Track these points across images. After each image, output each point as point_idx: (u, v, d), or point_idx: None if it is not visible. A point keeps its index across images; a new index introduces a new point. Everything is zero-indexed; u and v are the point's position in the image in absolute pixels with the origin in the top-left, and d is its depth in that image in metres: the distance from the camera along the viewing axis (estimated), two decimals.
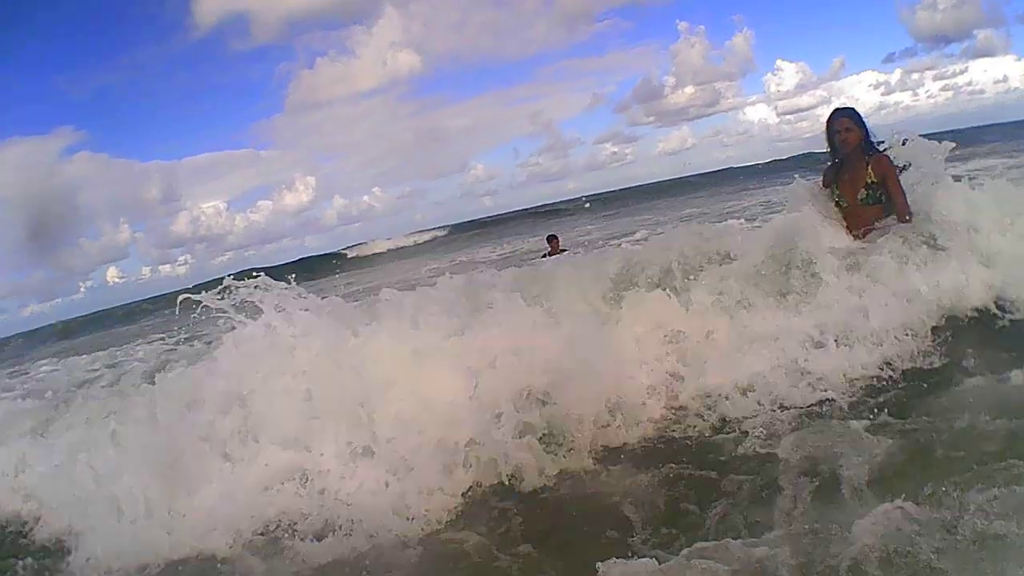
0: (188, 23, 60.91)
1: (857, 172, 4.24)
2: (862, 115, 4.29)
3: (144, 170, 62.46)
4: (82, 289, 59.70)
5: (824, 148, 4.38)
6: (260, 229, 62.61)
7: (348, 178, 76.39)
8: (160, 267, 63.23)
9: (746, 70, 63.23)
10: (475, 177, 63.69)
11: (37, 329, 30.42)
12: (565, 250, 12.99)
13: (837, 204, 4.35)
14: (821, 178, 4.51)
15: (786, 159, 28.70)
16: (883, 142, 4.35)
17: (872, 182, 4.19)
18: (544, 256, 12.38)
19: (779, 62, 65.92)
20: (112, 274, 61.35)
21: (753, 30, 59.33)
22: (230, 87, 68.82)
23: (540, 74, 75.24)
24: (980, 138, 23.01)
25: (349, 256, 28.24)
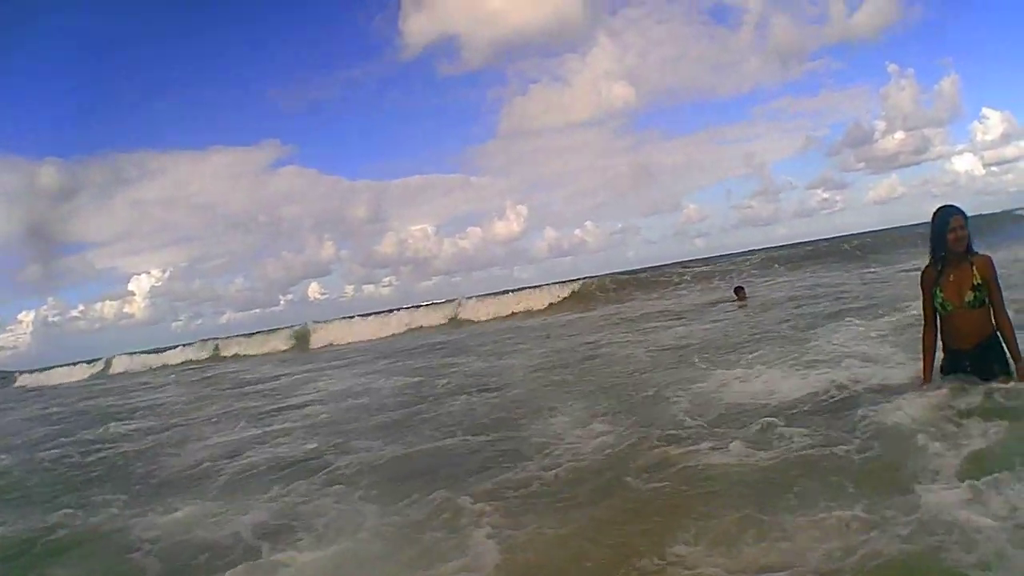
0: (397, 43, 63.11)
1: (963, 273, 4.07)
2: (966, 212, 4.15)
3: (352, 188, 65.44)
4: (282, 302, 63.26)
5: None
6: (468, 256, 63.80)
7: (560, 209, 77.54)
8: (363, 286, 64.94)
9: (953, 116, 58.78)
10: (687, 217, 64.24)
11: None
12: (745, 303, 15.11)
13: (941, 307, 4.18)
14: (920, 279, 4.35)
15: (993, 214, 26.78)
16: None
17: (978, 283, 4.03)
18: (735, 304, 15.10)
19: (985, 110, 60.93)
20: (314, 289, 63.64)
21: (960, 74, 55.19)
22: (440, 111, 70.56)
23: (754, 113, 74.13)
24: None
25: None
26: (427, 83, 70.20)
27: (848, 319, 9.29)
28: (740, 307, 14.59)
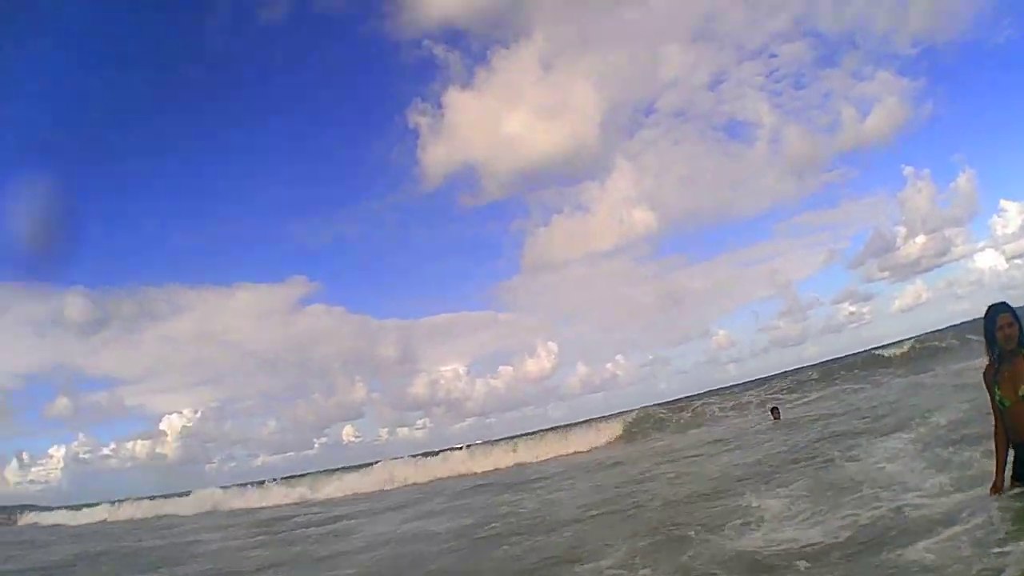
0: (416, 174, 64.78)
1: (1017, 369, 4.23)
2: (1016, 311, 4.33)
3: (380, 327, 63.08)
4: (316, 445, 60.80)
5: None
6: (500, 395, 62.33)
7: (589, 343, 76.26)
8: (397, 429, 63.54)
9: (972, 213, 59.39)
10: (717, 343, 63.38)
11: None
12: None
13: (1000, 403, 4.33)
14: (983, 378, 4.51)
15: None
16: None
17: None
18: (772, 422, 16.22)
19: (1003, 202, 61.87)
20: (348, 432, 61.89)
21: (975, 169, 56.69)
22: (464, 244, 69.28)
23: (775, 231, 75.07)
24: None
25: None
26: (449, 216, 70.86)
27: (882, 436, 9.61)
28: (775, 424, 15.76)
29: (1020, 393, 4.23)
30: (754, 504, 7.47)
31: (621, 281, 70.13)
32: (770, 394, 22.06)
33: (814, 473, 8.45)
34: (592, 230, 55.94)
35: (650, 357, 70.46)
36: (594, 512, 9.47)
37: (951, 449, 7.47)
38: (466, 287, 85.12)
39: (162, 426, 53.54)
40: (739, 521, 6.87)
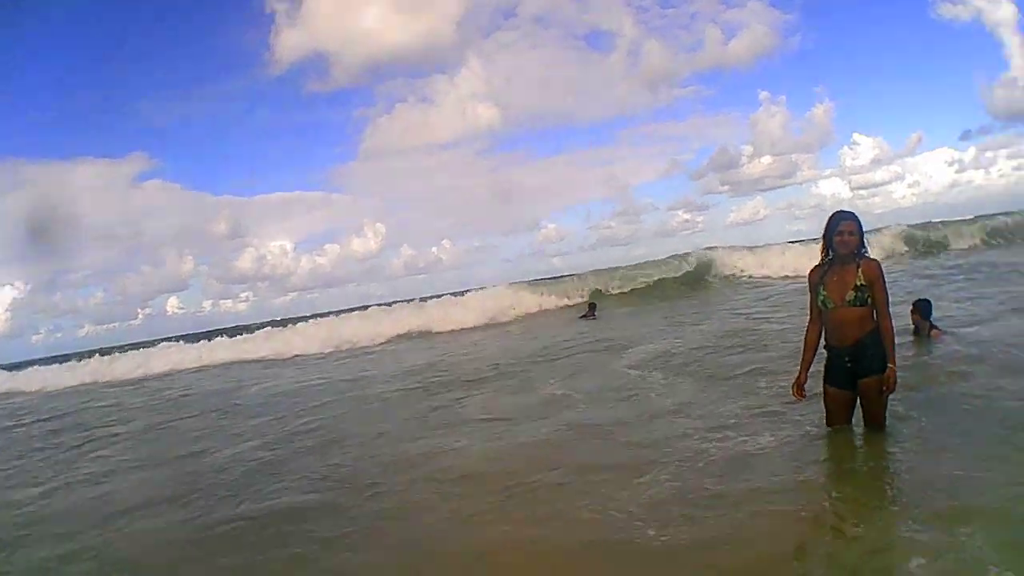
0: (267, 59, 63.04)
1: (846, 274, 4.30)
2: (861, 220, 4.37)
3: (215, 203, 63.54)
4: (140, 316, 61.63)
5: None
6: (325, 272, 64.52)
7: (418, 228, 77.96)
8: (221, 302, 65.17)
9: (824, 142, 62.32)
10: (546, 236, 64.60)
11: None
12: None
13: (823, 304, 4.39)
14: (808, 277, 4.57)
15: None
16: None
17: (861, 284, 4.24)
18: (582, 317, 15.94)
19: (856, 136, 64.97)
20: (172, 304, 62.84)
21: (833, 102, 58.76)
22: (306, 128, 69.72)
23: (619, 137, 75.39)
24: None
25: None
26: (295, 100, 68.81)
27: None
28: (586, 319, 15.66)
29: (847, 298, 4.27)
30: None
31: (458, 172, 72.47)
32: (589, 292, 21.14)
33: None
34: (434, 121, 57.43)
35: (476, 244, 72.09)
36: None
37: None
38: (304, 168, 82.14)
39: None
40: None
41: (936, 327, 7.03)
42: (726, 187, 62.76)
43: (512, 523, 4.08)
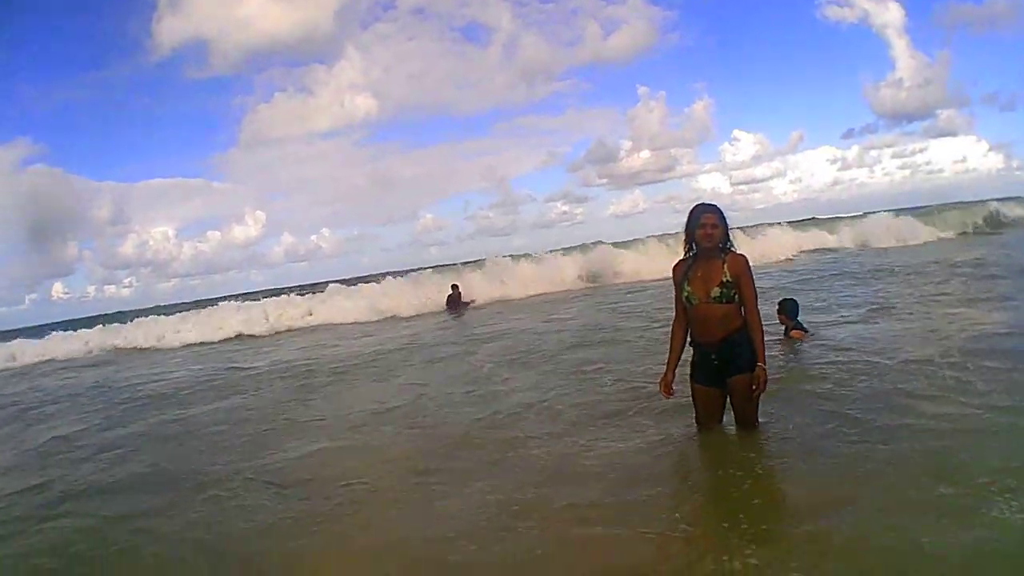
0: (148, 45, 62.22)
1: (712, 270, 4.10)
2: (724, 212, 4.18)
3: (97, 189, 61.31)
4: (27, 301, 61.12)
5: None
6: (207, 259, 63.52)
7: (298, 216, 77.46)
8: (105, 287, 63.45)
9: (703, 138, 64.51)
10: (424, 226, 64.68)
11: None
12: (468, 302, 16.16)
13: (687, 300, 4.19)
14: (672, 272, 4.35)
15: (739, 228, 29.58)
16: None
17: (727, 280, 4.04)
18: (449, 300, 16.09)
19: (736, 132, 67.52)
20: (58, 289, 62.80)
21: (714, 99, 60.88)
22: (187, 115, 67.81)
23: (497, 129, 76.21)
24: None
25: None
26: (175, 87, 66.56)
27: None
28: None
29: (712, 295, 4.06)
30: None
31: (337, 162, 73.15)
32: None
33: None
34: (313, 110, 58.56)
35: (356, 232, 71.98)
36: None
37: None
38: (185, 155, 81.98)
39: None
40: None
41: (800, 327, 7.02)
42: (604, 180, 64.56)
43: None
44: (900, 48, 50.17)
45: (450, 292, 16.28)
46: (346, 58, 57.92)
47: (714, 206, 4.19)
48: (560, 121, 70.55)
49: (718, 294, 4.04)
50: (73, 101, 62.50)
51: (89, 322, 23.93)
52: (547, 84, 66.34)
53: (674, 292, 4.32)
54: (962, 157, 54.51)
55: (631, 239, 22.51)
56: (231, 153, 70.71)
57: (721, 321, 4.07)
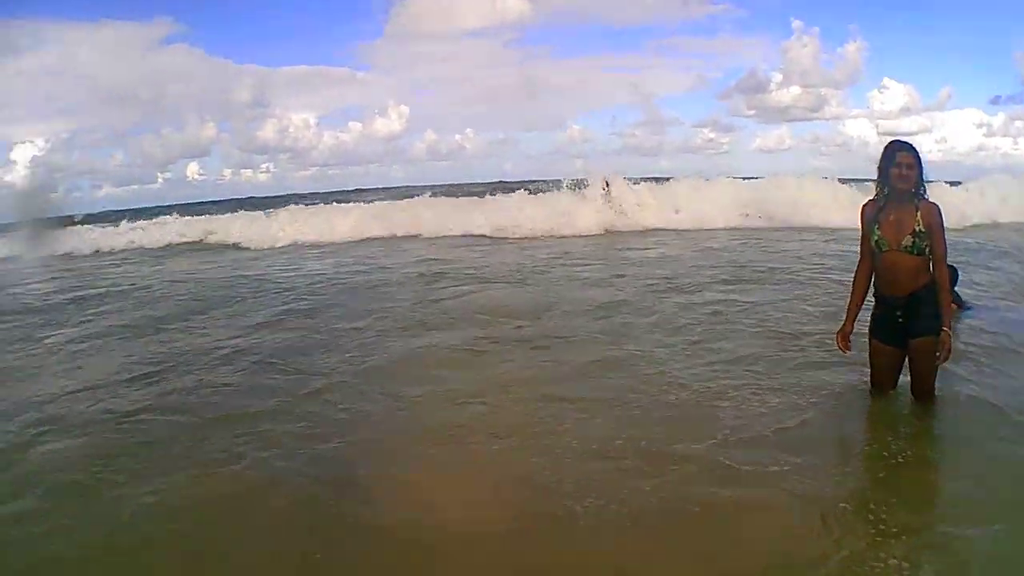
0: None
1: (905, 216, 3.79)
2: (922, 155, 3.84)
3: (238, 71, 65.12)
4: (160, 180, 62.23)
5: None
6: (347, 150, 63.18)
7: (442, 114, 76.36)
8: (242, 171, 64.77)
9: (853, 80, 59.01)
10: (570, 137, 62.63)
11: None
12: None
13: (876, 245, 3.89)
14: (860, 212, 4.03)
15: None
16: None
17: (920, 230, 3.74)
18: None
19: (886, 80, 61.29)
20: (192, 169, 63.91)
21: (867, 42, 55.10)
22: (334, 3, 68.58)
23: (648, 46, 72.74)
24: None
25: None
26: None
27: None
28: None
29: (904, 244, 3.75)
30: None
31: (484, 61, 70.72)
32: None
33: None
34: (464, 6, 53.58)
35: (500, 136, 70.39)
36: None
37: None
38: (329, 43, 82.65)
39: (13, 156, 49.58)
40: None
41: (958, 300, 6.37)
42: (753, 111, 60.60)
43: None
44: None
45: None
46: None
47: (911, 145, 3.83)
48: (712, 45, 67.00)
49: (910, 243, 3.75)
50: None
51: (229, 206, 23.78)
52: (701, 5, 62.12)
53: (860, 234, 4.00)
54: None
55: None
56: (377, 44, 70.68)
57: (911, 274, 3.78)
